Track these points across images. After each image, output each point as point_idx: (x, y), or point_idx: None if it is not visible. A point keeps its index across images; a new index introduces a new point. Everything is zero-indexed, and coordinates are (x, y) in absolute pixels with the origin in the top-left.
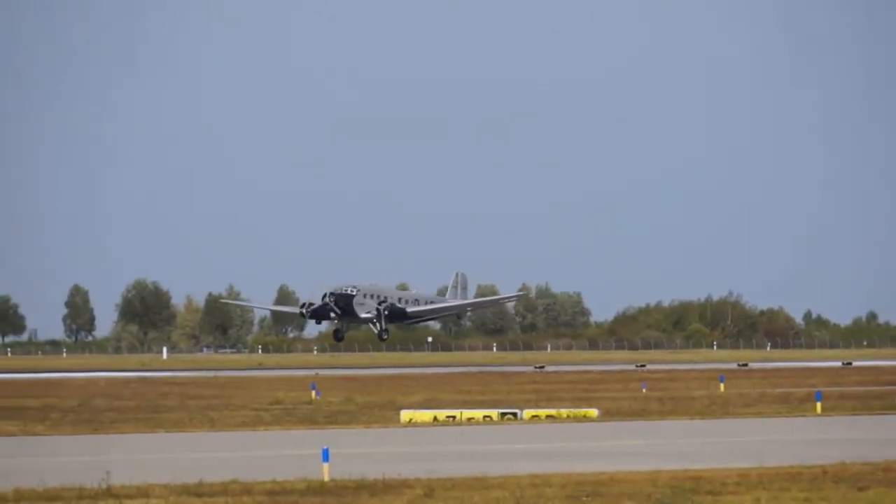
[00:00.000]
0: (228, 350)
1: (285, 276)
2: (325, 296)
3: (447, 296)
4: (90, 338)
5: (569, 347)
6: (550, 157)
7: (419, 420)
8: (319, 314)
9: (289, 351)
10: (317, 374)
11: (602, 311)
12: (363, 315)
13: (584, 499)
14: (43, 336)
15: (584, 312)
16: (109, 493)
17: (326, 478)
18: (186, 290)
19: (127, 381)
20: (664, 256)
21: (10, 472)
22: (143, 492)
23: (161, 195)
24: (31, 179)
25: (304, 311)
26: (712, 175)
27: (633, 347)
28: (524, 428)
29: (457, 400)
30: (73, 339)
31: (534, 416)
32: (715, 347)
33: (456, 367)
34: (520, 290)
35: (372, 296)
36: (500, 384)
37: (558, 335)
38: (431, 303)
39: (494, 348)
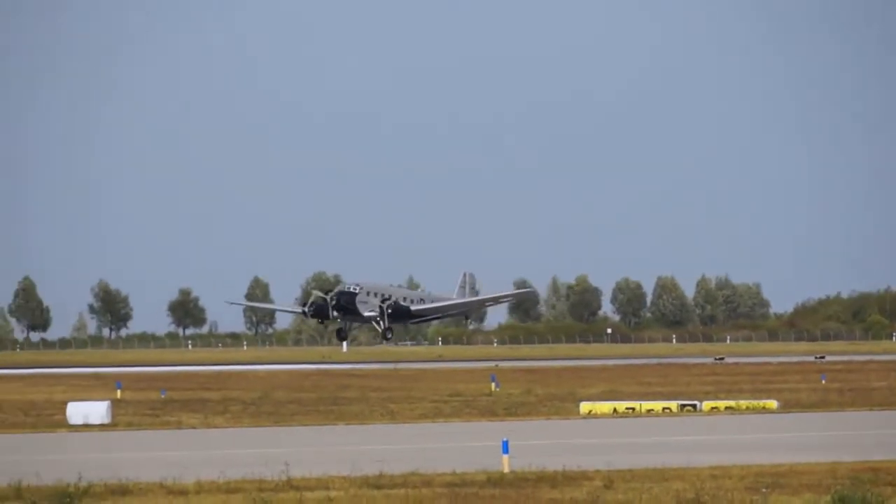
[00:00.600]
0: (409, 343)
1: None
2: (326, 293)
3: (455, 295)
4: (270, 330)
5: (748, 339)
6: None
7: (598, 412)
8: (322, 313)
9: (469, 343)
10: (497, 365)
11: (781, 302)
12: (366, 313)
13: (763, 490)
14: (223, 329)
15: (764, 303)
16: (290, 484)
17: (506, 469)
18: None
19: (307, 373)
20: (843, 248)
21: (192, 464)
22: (324, 484)
23: (330, 191)
24: (215, 178)
25: (306, 309)
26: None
27: (813, 339)
28: (703, 419)
29: (636, 392)
30: (254, 331)
31: (713, 408)
32: (894, 338)
33: (635, 358)
34: (529, 287)
35: (375, 294)
36: (680, 376)
37: (738, 327)
38: (435, 301)
39: (674, 340)
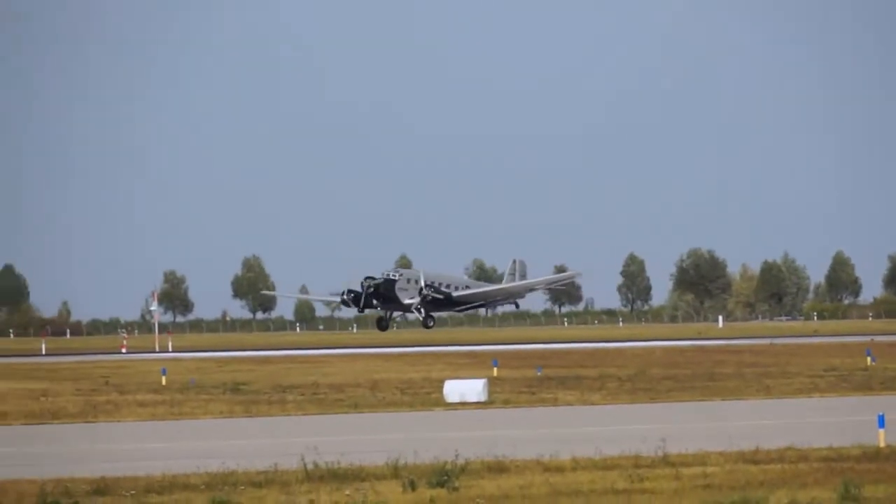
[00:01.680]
0: (784, 318)
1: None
2: (365, 280)
3: (503, 282)
4: (646, 307)
5: None
6: None
7: None
8: (360, 301)
9: (844, 317)
10: (872, 340)
11: None
12: (406, 301)
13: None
14: (599, 305)
15: None
16: (666, 461)
17: (882, 444)
18: (741, 257)
19: (682, 349)
20: None
21: (568, 441)
22: (700, 459)
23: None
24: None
25: (344, 297)
26: None
27: None
28: None
29: None
30: (629, 308)
31: None
32: None
33: None
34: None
35: (416, 281)
36: None
37: None
38: (472, 287)
39: None
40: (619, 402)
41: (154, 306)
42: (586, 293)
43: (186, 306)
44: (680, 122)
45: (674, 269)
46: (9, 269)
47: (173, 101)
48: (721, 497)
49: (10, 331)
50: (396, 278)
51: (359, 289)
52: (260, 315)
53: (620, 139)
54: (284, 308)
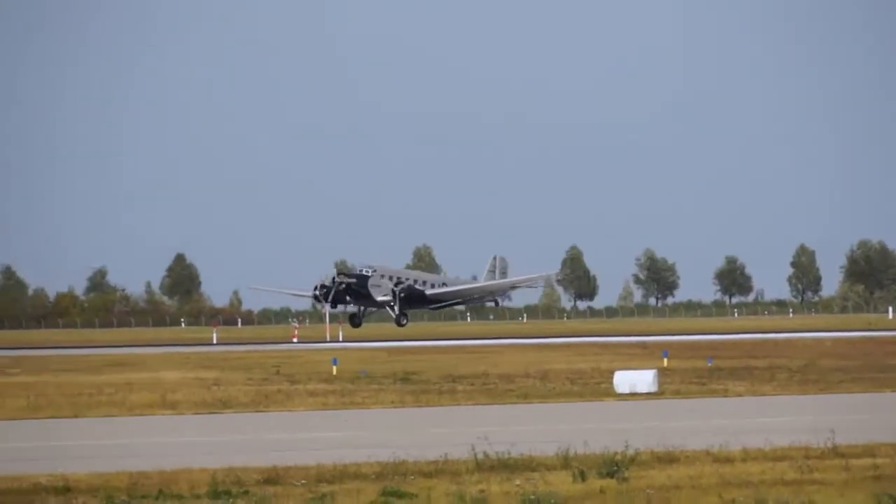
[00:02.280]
0: None
1: None
2: (336, 276)
3: (483, 280)
4: (816, 298)
5: None
6: None
7: None
8: (333, 297)
9: None
10: None
11: None
12: (379, 298)
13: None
14: (770, 296)
15: None
16: (835, 452)
17: None
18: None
19: (853, 340)
20: None
21: (738, 432)
22: (870, 451)
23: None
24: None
25: (316, 293)
26: None
27: None
28: None
29: None
30: (799, 299)
31: None
32: None
33: None
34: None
35: (389, 277)
36: None
37: None
38: (449, 285)
39: None
40: (789, 394)
41: None
42: (757, 284)
43: None
44: (851, 110)
45: (844, 261)
46: (181, 258)
47: None
48: (891, 489)
49: (182, 320)
50: (369, 274)
51: (330, 284)
52: None
53: None
54: None
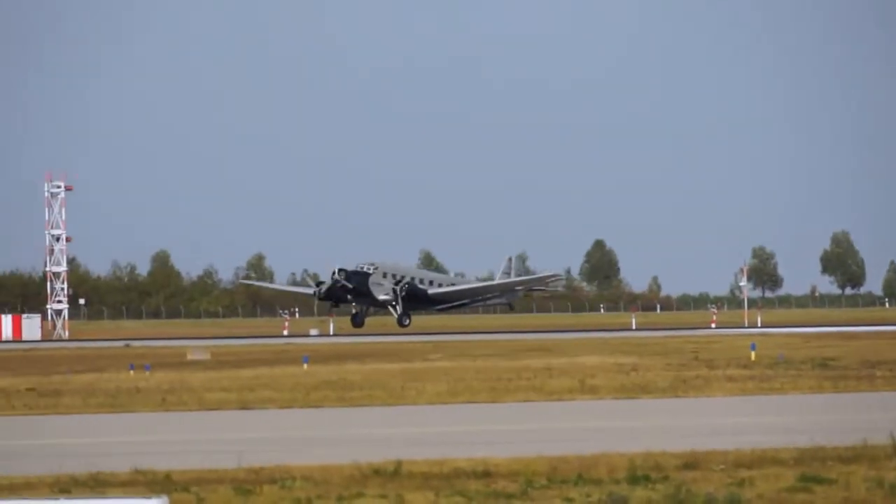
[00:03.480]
0: None
1: None
2: (334, 273)
3: (497, 280)
4: None
5: None
6: None
7: None
8: (333, 295)
9: None
10: None
11: None
12: (381, 297)
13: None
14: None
15: None
16: None
17: None
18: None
19: None
20: None
21: None
22: None
23: None
24: None
25: (317, 291)
26: None
27: None
28: None
29: None
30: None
31: None
32: None
33: None
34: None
35: (392, 275)
36: None
37: None
38: (457, 285)
39: None
40: None
41: (743, 282)
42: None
43: (775, 282)
44: None
45: None
46: (600, 244)
47: None
48: None
49: (601, 305)
50: (371, 272)
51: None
52: (849, 290)
53: None
54: (873, 283)
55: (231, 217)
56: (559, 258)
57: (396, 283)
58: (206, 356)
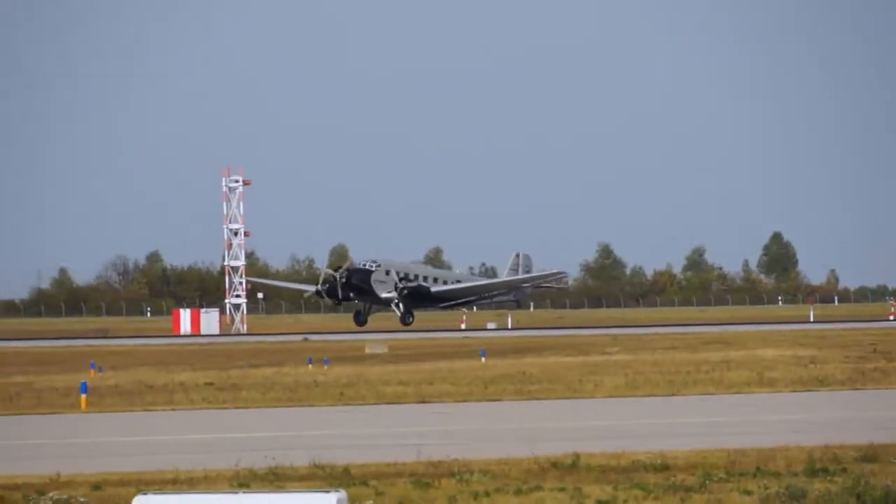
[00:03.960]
0: None
1: None
2: (337, 270)
3: (504, 277)
4: None
5: None
6: None
7: None
8: (336, 293)
9: None
10: None
11: None
12: (384, 295)
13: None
14: None
15: None
16: None
17: None
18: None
19: None
20: None
21: None
22: None
23: None
24: None
25: (320, 288)
26: None
27: None
28: None
29: None
30: None
31: None
32: None
33: None
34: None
35: (395, 272)
36: None
37: None
38: (457, 281)
39: None
40: None
41: None
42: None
43: None
44: None
45: None
46: (777, 237)
47: None
48: None
49: (779, 298)
50: (373, 269)
51: (331, 279)
52: None
53: None
54: None
55: (408, 210)
56: (738, 252)
57: (399, 281)
58: (384, 350)
